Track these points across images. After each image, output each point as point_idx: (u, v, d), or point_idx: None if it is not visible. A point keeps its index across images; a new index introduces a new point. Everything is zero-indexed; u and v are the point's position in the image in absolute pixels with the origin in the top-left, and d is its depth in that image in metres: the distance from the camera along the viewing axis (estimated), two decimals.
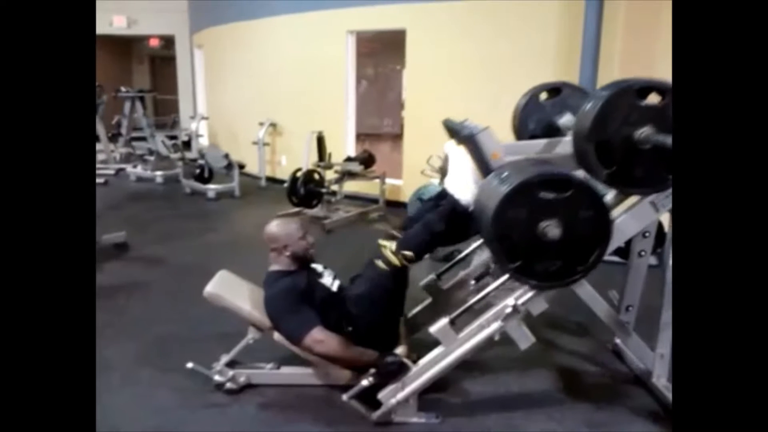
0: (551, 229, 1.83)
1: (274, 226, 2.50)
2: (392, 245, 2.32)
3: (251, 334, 2.47)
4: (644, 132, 1.83)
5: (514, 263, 1.92)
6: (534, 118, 2.54)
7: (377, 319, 2.37)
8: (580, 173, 2.01)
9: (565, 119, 2.45)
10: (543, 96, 2.58)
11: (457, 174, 2.33)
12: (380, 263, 2.33)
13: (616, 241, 2.21)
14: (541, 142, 2.29)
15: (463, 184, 2.29)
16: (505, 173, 1.95)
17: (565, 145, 2.16)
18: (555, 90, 2.57)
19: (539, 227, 1.84)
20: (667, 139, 1.76)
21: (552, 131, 2.44)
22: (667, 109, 1.83)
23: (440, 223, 2.32)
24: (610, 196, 2.30)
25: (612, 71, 4.50)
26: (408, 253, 2.30)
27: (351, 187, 6.24)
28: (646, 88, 1.87)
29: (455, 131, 2.23)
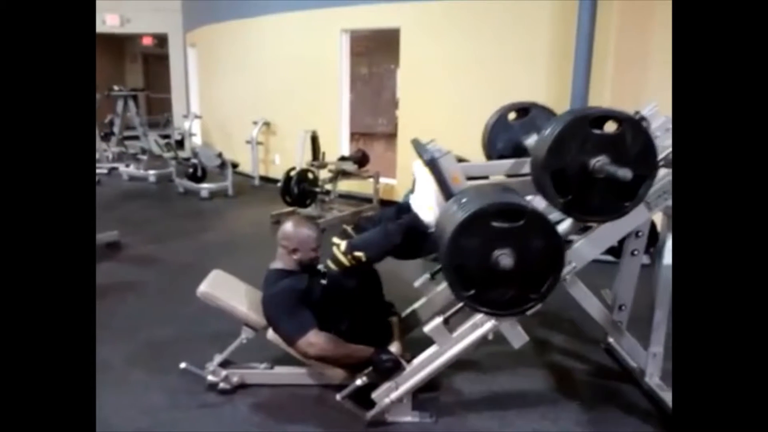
0: (504, 258, 1.82)
1: (292, 226, 2.48)
2: (343, 244, 2.30)
3: (244, 334, 2.46)
4: (599, 161, 1.82)
5: (468, 292, 1.91)
6: (503, 137, 2.53)
7: (354, 321, 2.35)
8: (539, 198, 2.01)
9: (532, 140, 2.45)
10: (511, 116, 2.58)
11: (421, 194, 2.34)
12: (330, 263, 2.32)
13: (609, 240, 2.23)
14: (507, 163, 2.31)
15: (426, 205, 2.30)
16: (463, 199, 1.95)
17: (528, 167, 2.15)
18: (523, 110, 2.56)
19: (492, 256, 1.83)
20: (621, 170, 1.76)
21: (519, 152, 2.44)
22: (623, 138, 1.84)
23: (398, 235, 2.29)
24: (567, 223, 2.30)
25: (605, 71, 4.53)
26: (358, 254, 2.27)
27: (345, 186, 6.24)
28: (602, 117, 1.88)
29: (420, 152, 2.24)
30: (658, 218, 2.43)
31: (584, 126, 1.85)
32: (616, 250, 2.55)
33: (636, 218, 2.15)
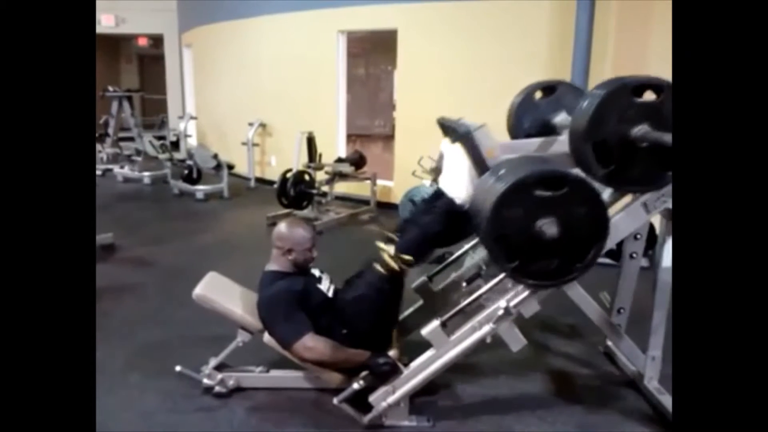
0: (548, 227, 1.81)
1: (286, 227, 2.46)
2: (390, 249, 2.29)
3: (240, 337, 2.44)
4: (641, 130, 1.81)
5: (512, 263, 1.91)
6: (529, 117, 2.52)
7: (373, 323, 2.35)
8: (576, 171, 2.00)
9: (560, 118, 2.44)
10: (537, 95, 2.56)
11: (452, 173, 2.31)
12: (379, 267, 2.30)
13: (608, 242, 2.22)
14: (536, 141, 2.27)
15: (459, 183, 2.26)
16: (501, 171, 1.93)
17: (560, 144, 2.15)
18: (550, 88, 2.55)
19: (536, 226, 1.83)
20: (664, 137, 1.74)
21: (547, 130, 2.42)
22: (664, 106, 1.82)
23: (437, 224, 2.29)
24: (606, 194, 2.28)
25: (604, 70, 4.52)
26: (407, 257, 2.27)
27: (341, 188, 6.22)
28: (641, 85, 1.86)
29: (451, 129, 2.21)
30: (657, 221, 2.42)
31: (625, 95, 1.83)
32: (614, 253, 2.54)
33: (635, 221, 2.14)
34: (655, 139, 1.77)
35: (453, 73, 5.57)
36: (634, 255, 2.50)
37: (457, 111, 5.43)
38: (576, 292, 2.21)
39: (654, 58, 4.26)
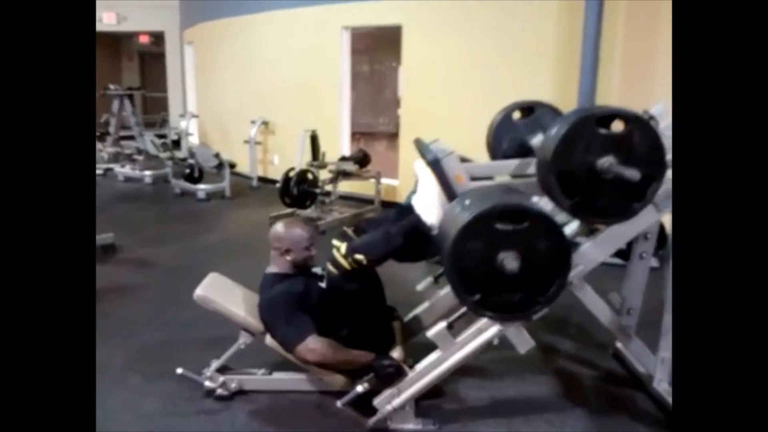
0: (509, 261, 1.79)
1: (282, 227, 2.43)
2: (343, 247, 2.26)
3: (242, 339, 2.42)
4: (606, 162, 1.79)
5: (473, 296, 1.88)
6: (507, 136, 2.50)
7: (355, 326, 2.31)
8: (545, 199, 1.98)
9: (537, 139, 2.41)
10: (517, 115, 2.53)
11: (424, 194, 2.30)
12: (330, 267, 2.29)
13: (617, 243, 2.18)
14: (511, 163, 2.26)
15: (429, 206, 2.26)
16: (466, 201, 1.91)
17: (534, 167, 2.12)
18: (528, 108, 2.53)
19: (497, 259, 1.80)
20: (627, 171, 1.73)
21: (524, 151, 2.40)
22: (630, 138, 1.80)
23: (400, 237, 2.26)
24: (575, 225, 2.26)
25: (613, 70, 4.48)
26: (359, 257, 2.23)
27: (345, 187, 6.18)
28: (608, 116, 1.84)
29: (422, 153, 2.20)
30: (667, 220, 2.37)
31: (590, 125, 1.81)
32: (624, 253, 2.50)
33: (644, 220, 2.11)
34: (620, 172, 1.75)
35: (458, 71, 5.53)
36: (644, 255, 2.46)
37: (462, 108, 5.41)
38: (585, 292, 2.17)
39: (663, 57, 4.21)
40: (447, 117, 5.43)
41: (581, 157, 1.81)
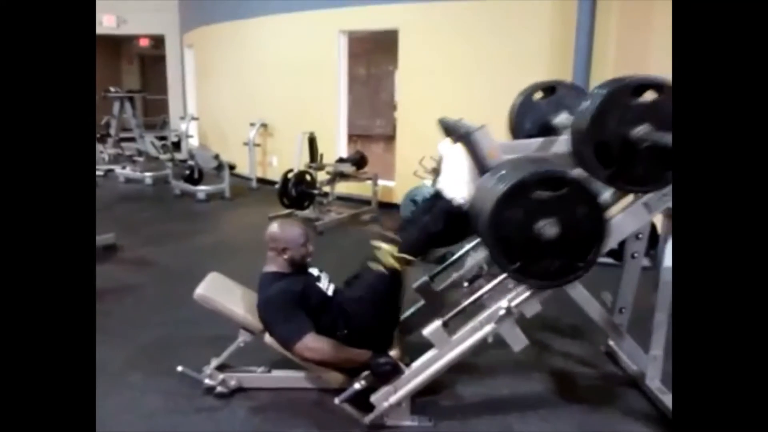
0: (548, 228, 1.82)
1: (277, 227, 2.47)
2: (390, 248, 2.30)
3: (242, 337, 2.44)
4: (641, 130, 1.82)
5: (514, 264, 1.91)
6: (529, 117, 2.52)
7: (374, 322, 2.35)
8: (577, 171, 2.00)
9: (561, 118, 2.44)
10: (538, 95, 2.56)
11: (451, 173, 2.31)
12: (377, 266, 2.31)
13: (610, 242, 2.21)
14: (537, 141, 2.27)
15: (459, 183, 2.27)
16: (501, 172, 1.93)
17: (561, 144, 2.15)
18: (550, 89, 2.55)
19: (536, 227, 1.83)
20: (664, 137, 1.75)
21: (548, 130, 2.42)
22: (664, 106, 1.82)
23: (437, 223, 2.30)
24: (608, 193, 2.28)
25: (606, 69, 4.51)
26: (408, 257, 2.28)
27: (343, 188, 6.21)
28: (642, 85, 1.86)
29: (451, 129, 2.21)
30: (659, 220, 2.41)
31: (626, 95, 1.83)
32: (616, 253, 2.53)
33: (636, 220, 2.14)
34: (656, 140, 1.78)
35: (454, 73, 5.57)
36: (636, 255, 2.50)
37: (458, 110, 5.41)
38: (578, 291, 2.20)
39: (655, 57, 4.24)
40: (445, 117, 5.47)
41: (617, 127, 1.84)
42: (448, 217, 2.30)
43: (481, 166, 2.09)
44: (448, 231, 2.33)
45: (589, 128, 1.84)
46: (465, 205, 2.23)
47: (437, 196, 2.41)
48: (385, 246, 2.32)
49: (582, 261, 1.94)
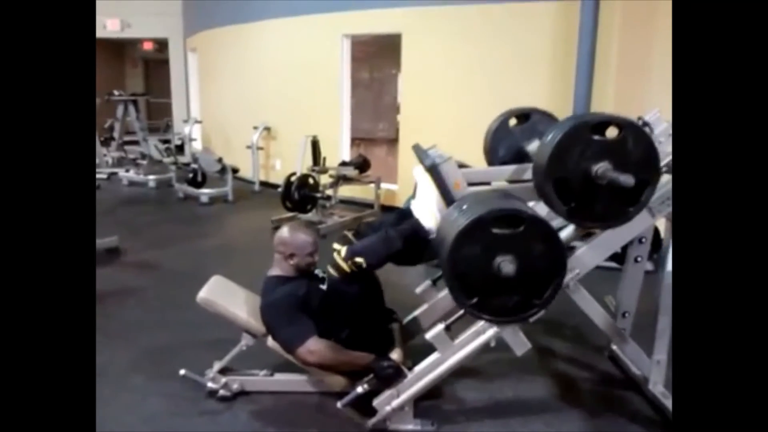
0: (506, 264, 1.81)
1: (287, 232, 2.47)
2: (343, 250, 2.29)
3: (244, 341, 2.44)
4: (601, 168, 1.81)
5: (471, 300, 1.90)
6: (504, 143, 2.53)
7: (354, 329, 2.34)
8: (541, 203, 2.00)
9: (533, 145, 2.44)
10: (513, 121, 2.57)
11: (422, 200, 2.33)
12: (330, 269, 2.32)
13: (612, 247, 2.22)
14: (508, 169, 2.30)
15: (428, 211, 2.29)
16: (463, 206, 1.94)
17: (530, 173, 2.15)
18: (524, 115, 2.56)
19: (494, 263, 1.83)
20: (621, 177, 1.75)
21: (521, 157, 2.43)
22: (624, 143, 1.83)
23: (399, 241, 2.28)
24: (570, 229, 2.29)
25: (608, 74, 4.52)
26: (359, 260, 2.25)
27: (346, 191, 6.22)
28: (603, 122, 1.87)
29: (421, 158, 2.23)
30: (662, 224, 2.41)
31: (585, 132, 1.84)
32: (619, 257, 2.53)
33: (639, 224, 2.14)
34: (614, 179, 1.77)
35: (457, 77, 5.57)
36: (639, 259, 2.49)
37: (460, 115, 5.45)
38: (581, 296, 2.20)
39: (658, 58, 4.26)
40: (445, 123, 5.48)
41: (576, 163, 1.84)
42: (411, 238, 2.29)
43: (447, 196, 2.10)
44: (406, 252, 2.31)
45: (548, 164, 1.84)
46: (431, 233, 2.25)
47: (407, 214, 2.41)
48: (339, 248, 2.31)
49: (539, 298, 1.93)
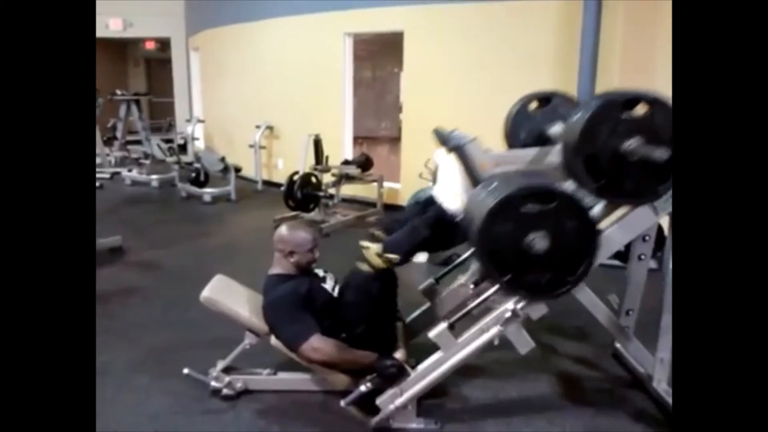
0: (538, 241, 1.82)
1: (286, 230, 2.48)
2: (375, 247, 2.31)
3: (248, 340, 2.44)
4: (632, 144, 1.82)
5: (504, 277, 1.92)
6: (524, 127, 2.54)
7: (370, 325, 2.35)
8: (569, 182, 2.00)
9: (556, 128, 2.45)
10: (533, 105, 2.56)
11: (446, 182, 2.34)
12: (363, 266, 2.33)
13: (616, 245, 2.20)
14: (531, 152, 2.29)
15: (452, 193, 2.30)
16: (492, 185, 1.94)
17: (555, 155, 2.15)
18: (545, 99, 2.57)
19: (526, 240, 1.83)
20: (654, 152, 1.76)
21: (542, 140, 2.43)
22: (654, 120, 1.83)
23: (426, 229, 2.32)
24: (599, 206, 2.29)
25: (611, 71, 4.51)
26: (392, 256, 2.28)
27: (348, 190, 6.22)
28: (632, 99, 1.87)
29: (444, 141, 2.23)
30: (665, 222, 2.40)
31: (616, 109, 1.84)
32: (623, 255, 2.52)
33: (643, 222, 2.13)
34: (647, 154, 1.78)
35: (459, 75, 5.56)
36: (643, 257, 2.48)
37: (463, 113, 5.44)
38: (584, 294, 2.19)
39: (662, 59, 4.23)
40: (448, 121, 5.44)
41: (606, 140, 1.84)
42: (438, 224, 2.32)
43: (473, 177, 2.11)
44: (435, 238, 2.35)
45: (578, 141, 1.85)
46: (457, 215, 2.24)
47: (430, 201, 2.42)
48: (372, 246, 2.33)
49: (572, 275, 1.94)
